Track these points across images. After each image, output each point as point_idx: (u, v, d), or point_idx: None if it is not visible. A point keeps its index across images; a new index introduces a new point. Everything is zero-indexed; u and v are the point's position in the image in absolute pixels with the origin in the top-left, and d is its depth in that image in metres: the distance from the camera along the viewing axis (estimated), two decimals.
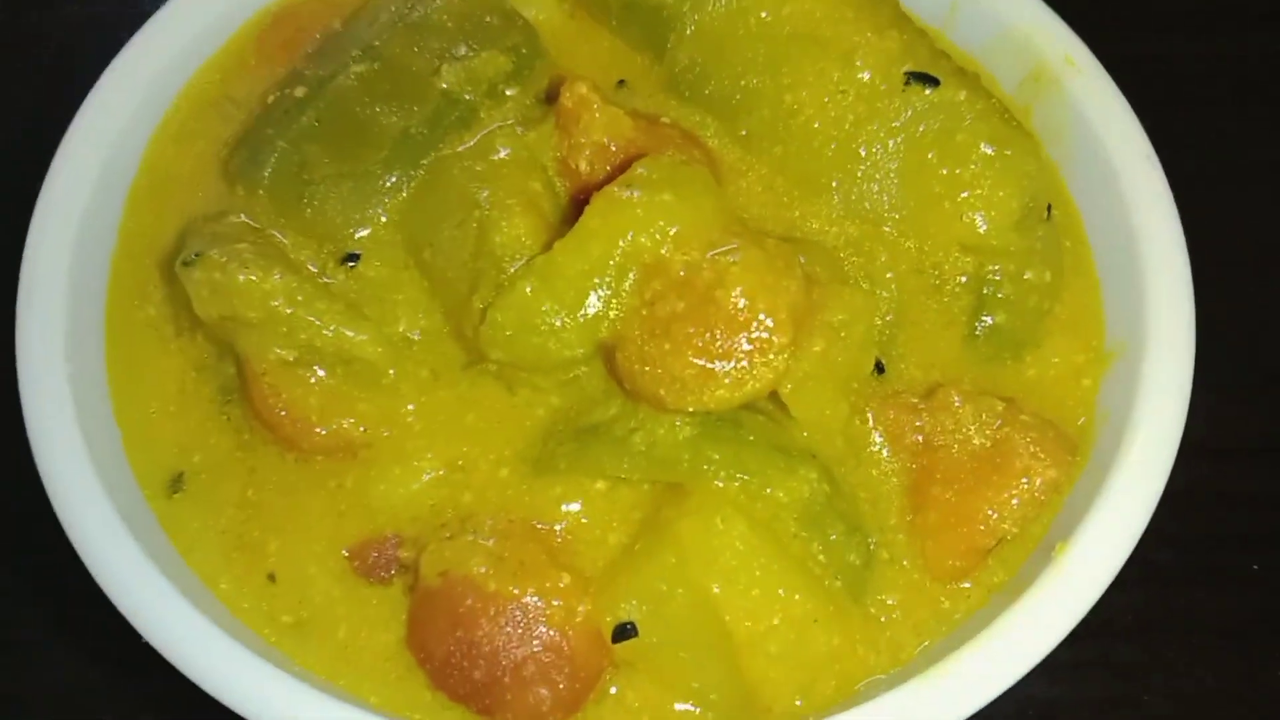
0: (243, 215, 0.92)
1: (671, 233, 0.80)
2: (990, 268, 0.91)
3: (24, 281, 0.88)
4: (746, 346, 0.78)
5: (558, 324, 0.81)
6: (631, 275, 0.81)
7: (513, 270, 0.83)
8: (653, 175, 0.82)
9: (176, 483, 0.88)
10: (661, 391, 0.80)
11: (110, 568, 0.80)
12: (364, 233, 0.91)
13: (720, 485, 0.80)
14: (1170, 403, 0.83)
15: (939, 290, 0.92)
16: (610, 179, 0.87)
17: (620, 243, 0.80)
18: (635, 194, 0.81)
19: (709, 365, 0.78)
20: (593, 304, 0.81)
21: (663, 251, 0.80)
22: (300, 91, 0.94)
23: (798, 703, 0.80)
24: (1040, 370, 0.92)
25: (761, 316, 0.78)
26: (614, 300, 0.81)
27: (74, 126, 0.95)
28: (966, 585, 0.84)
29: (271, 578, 0.84)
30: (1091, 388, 0.91)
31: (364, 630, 0.83)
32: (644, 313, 0.80)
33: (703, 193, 0.82)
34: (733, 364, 0.78)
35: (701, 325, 0.78)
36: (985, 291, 0.91)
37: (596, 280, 0.81)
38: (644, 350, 0.80)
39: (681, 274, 0.79)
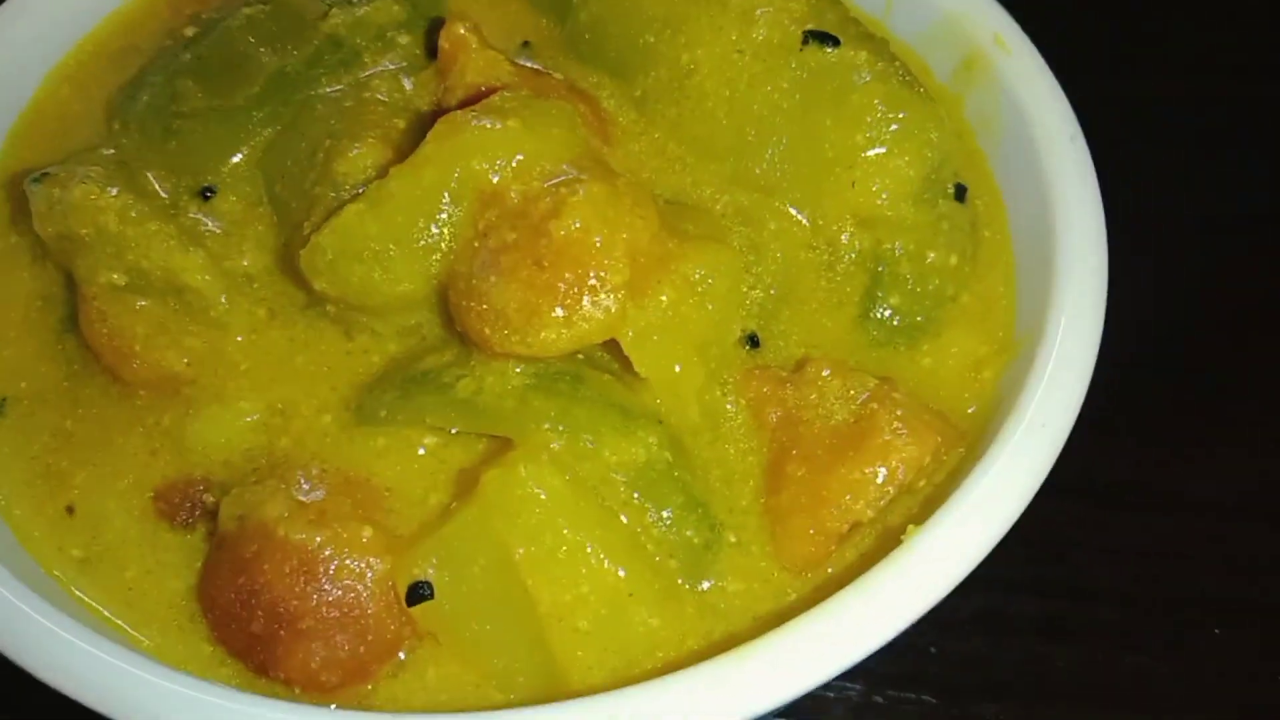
0: (113, 150, 0.89)
1: (513, 162, 0.74)
2: (887, 245, 0.83)
3: None
4: (577, 282, 0.71)
5: (383, 251, 0.75)
6: (466, 205, 0.75)
7: (348, 197, 0.78)
8: (504, 104, 0.77)
9: None
10: (487, 330, 0.73)
11: None
12: (225, 168, 0.87)
13: (545, 440, 0.72)
14: (1061, 394, 0.74)
15: (830, 267, 0.84)
16: None
17: (456, 169, 0.74)
18: (480, 119, 0.75)
19: (535, 300, 0.71)
20: (423, 232, 0.75)
21: (501, 180, 0.74)
22: (190, 31, 0.92)
23: (605, 684, 0.70)
24: (937, 360, 0.83)
25: (595, 251, 0.71)
26: (447, 230, 0.75)
27: None
28: (813, 575, 0.74)
29: (70, 510, 0.79)
30: (991, 380, 0.81)
31: (154, 574, 0.77)
32: (476, 245, 0.74)
33: (555, 124, 0.76)
34: (561, 300, 0.71)
35: (530, 256, 0.72)
36: (880, 270, 0.83)
37: (429, 207, 0.75)
38: (471, 285, 0.73)
39: (517, 203, 0.73)
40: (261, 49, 0.89)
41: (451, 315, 0.76)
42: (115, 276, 0.81)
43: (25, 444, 0.81)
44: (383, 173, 0.78)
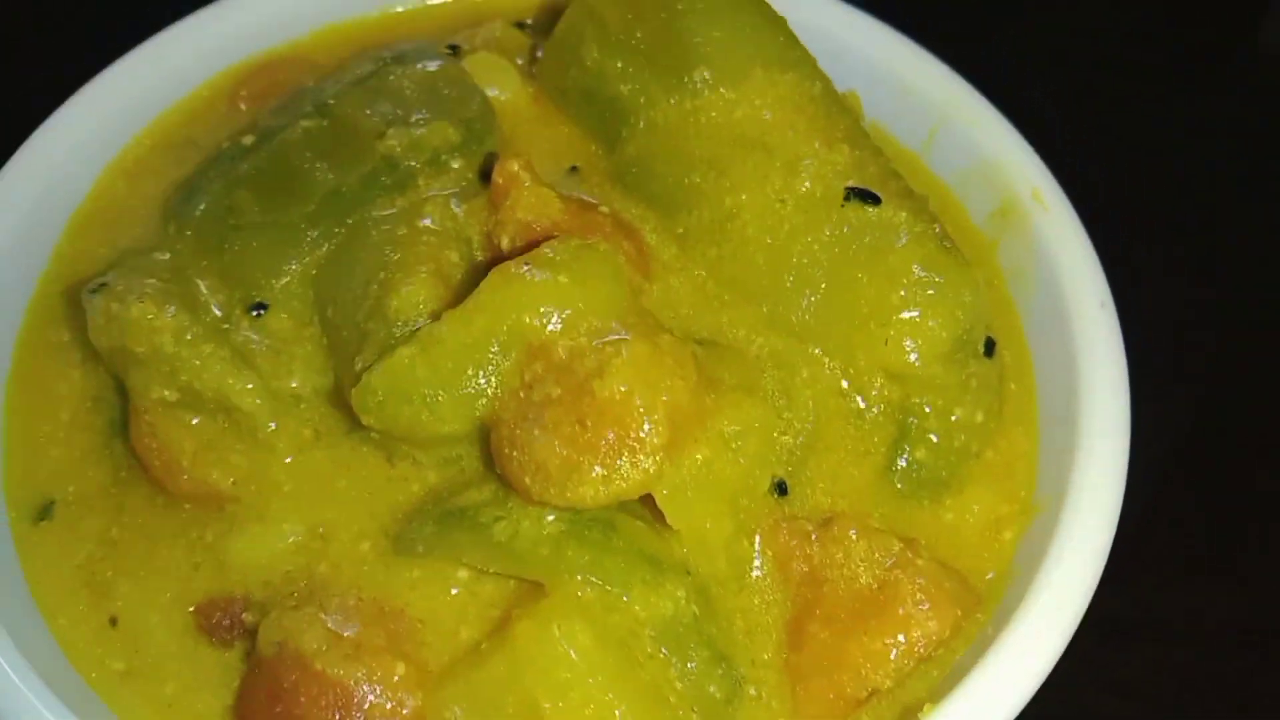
0: (168, 253, 0.92)
1: (561, 316, 0.77)
2: (916, 400, 0.86)
3: None
4: (617, 443, 0.73)
5: (432, 395, 0.78)
6: (514, 355, 0.77)
7: (399, 335, 0.80)
8: (555, 256, 0.79)
9: (46, 510, 0.86)
10: (527, 480, 0.75)
11: None
12: (278, 284, 0.89)
13: (577, 589, 0.75)
14: (1080, 572, 0.76)
15: (859, 416, 0.86)
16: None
17: (507, 320, 0.77)
18: (531, 272, 0.78)
19: (575, 457, 0.74)
20: (471, 380, 0.77)
21: (548, 333, 0.77)
22: (248, 140, 0.94)
23: None
24: (958, 516, 0.85)
25: (637, 413, 0.74)
26: (494, 379, 0.77)
27: (26, 146, 0.96)
28: None
29: (113, 621, 0.81)
30: (1011, 541, 0.84)
31: (193, 690, 0.79)
32: (521, 395, 0.77)
33: (602, 278, 0.79)
34: (600, 459, 0.74)
35: (573, 414, 0.74)
36: (909, 424, 0.85)
37: (478, 356, 0.77)
38: (514, 434, 0.76)
39: (564, 358, 0.76)
40: (318, 165, 0.92)
41: (492, 457, 0.78)
42: (167, 393, 0.83)
43: (71, 550, 0.84)
44: (435, 315, 0.80)
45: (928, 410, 0.85)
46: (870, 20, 1.04)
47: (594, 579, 0.75)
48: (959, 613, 0.76)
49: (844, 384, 0.86)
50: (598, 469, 0.74)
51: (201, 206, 0.91)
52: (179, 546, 0.83)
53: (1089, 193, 0.96)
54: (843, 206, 0.86)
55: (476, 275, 0.86)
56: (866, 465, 0.86)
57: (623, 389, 0.74)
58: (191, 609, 0.81)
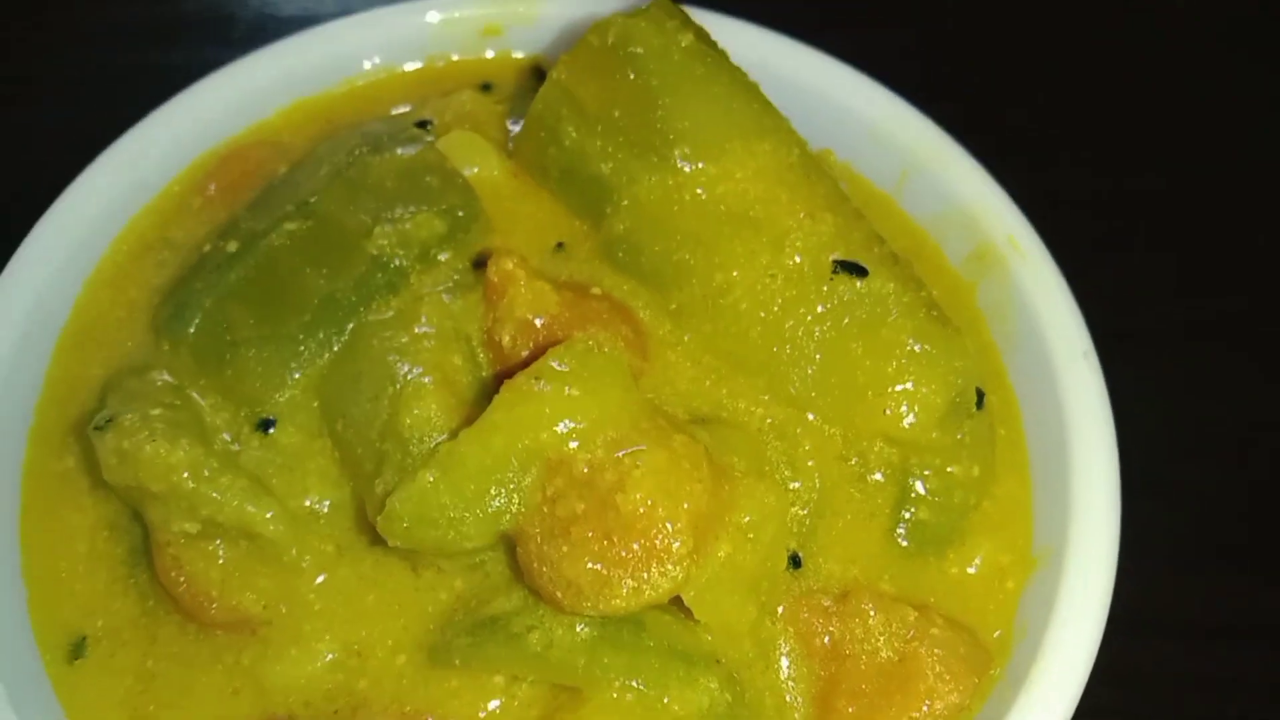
0: (165, 372, 0.91)
1: (576, 428, 0.79)
2: (915, 461, 0.89)
3: None
4: (645, 555, 0.76)
5: (457, 517, 0.79)
6: (534, 471, 0.79)
7: (416, 455, 0.82)
8: (563, 367, 0.81)
9: (78, 648, 0.87)
10: (559, 594, 0.78)
11: None
12: (282, 397, 0.90)
13: (614, 693, 0.78)
14: (1084, 628, 0.81)
15: (862, 479, 0.90)
16: (532, 357, 0.86)
17: (524, 438, 0.79)
18: (543, 386, 0.80)
19: (605, 572, 0.76)
20: (494, 498, 0.79)
21: (567, 448, 0.79)
22: (232, 246, 0.93)
23: None
24: (962, 569, 0.89)
25: (662, 524, 0.76)
26: (516, 495, 0.79)
27: (7, 273, 0.95)
28: None
29: None
30: (1015, 591, 0.88)
31: None
32: (545, 510, 0.79)
33: (611, 385, 0.81)
34: (630, 572, 0.76)
35: (600, 530, 0.77)
36: (909, 485, 0.89)
37: (498, 475, 0.79)
38: (542, 550, 0.78)
39: (584, 472, 0.78)
40: (308, 271, 0.92)
41: (520, 567, 0.81)
42: (188, 526, 0.84)
43: (111, 688, 0.85)
44: (449, 429, 0.82)
45: (927, 472, 0.89)
46: (839, 65, 1.05)
47: (631, 681, 0.78)
48: (975, 680, 0.80)
49: (845, 450, 0.90)
50: (628, 581, 0.77)
51: (195, 323, 0.91)
52: (216, 673, 0.85)
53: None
54: (831, 279, 0.88)
55: (483, 382, 0.88)
56: (873, 527, 0.89)
57: (646, 501, 0.76)
58: None
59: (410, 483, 0.80)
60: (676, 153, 0.92)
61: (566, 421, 0.79)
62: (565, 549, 0.77)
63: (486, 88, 1.10)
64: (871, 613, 0.83)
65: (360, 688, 0.83)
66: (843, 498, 0.90)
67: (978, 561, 0.89)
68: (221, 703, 0.84)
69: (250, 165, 1.04)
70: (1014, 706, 0.79)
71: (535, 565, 0.79)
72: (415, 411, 0.83)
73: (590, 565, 0.77)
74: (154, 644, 0.86)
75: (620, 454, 0.78)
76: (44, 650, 0.86)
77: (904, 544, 0.89)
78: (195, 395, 0.90)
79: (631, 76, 0.94)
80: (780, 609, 0.84)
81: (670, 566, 0.76)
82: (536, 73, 1.13)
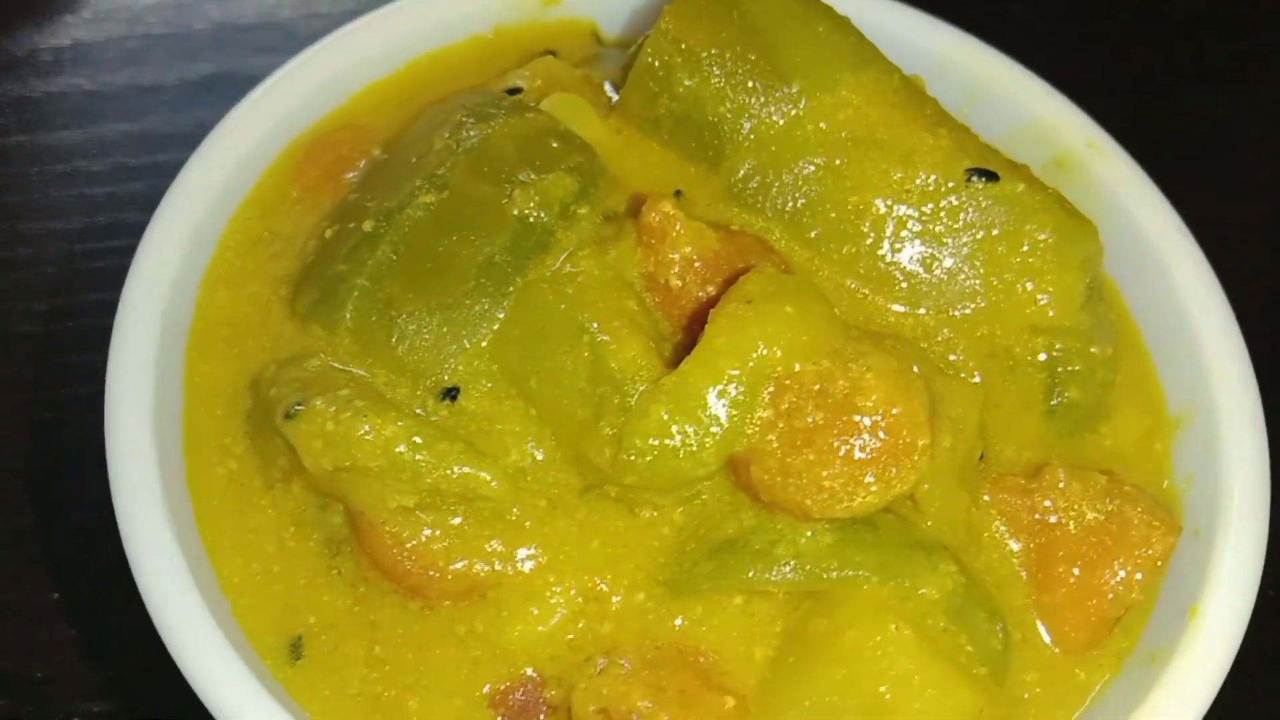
0: (324, 358, 0.89)
1: (798, 344, 0.82)
2: (1058, 346, 0.96)
3: (113, 448, 0.83)
4: (891, 451, 0.80)
5: (695, 445, 0.81)
6: (763, 389, 0.81)
7: (637, 394, 0.83)
8: (768, 288, 0.83)
9: (296, 648, 0.83)
10: (808, 502, 0.81)
11: None
12: (458, 366, 0.88)
13: (871, 589, 0.81)
14: (1255, 459, 0.90)
15: (1013, 372, 0.96)
16: (706, 292, 0.89)
17: (750, 358, 0.81)
18: (757, 309, 0.82)
19: (856, 472, 0.80)
20: (727, 422, 0.81)
21: (792, 363, 0.81)
22: (369, 225, 0.91)
23: None
24: (1115, 440, 0.97)
25: (902, 420, 0.80)
26: (747, 415, 0.81)
27: (131, 283, 0.90)
28: (1095, 654, 0.87)
29: None
30: (1164, 452, 0.97)
31: None
32: (780, 425, 0.81)
33: (817, 301, 0.84)
34: (879, 470, 0.80)
35: (844, 434, 0.80)
36: (1056, 370, 0.96)
37: (729, 399, 0.81)
38: (786, 463, 0.81)
39: (815, 385, 0.81)
40: (454, 239, 0.91)
41: (756, 488, 0.83)
42: (406, 499, 0.82)
43: (344, 681, 0.82)
44: (664, 365, 0.83)
45: (1071, 353, 0.96)
46: (894, 4, 1.11)
47: (887, 577, 0.81)
48: (1180, 525, 0.88)
49: (994, 347, 0.96)
50: (875, 478, 0.80)
51: (351, 305, 0.89)
52: (451, 646, 0.83)
53: None
54: (967, 186, 0.94)
55: (659, 325, 0.89)
56: (1031, 414, 0.95)
57: (885, 400, 0.80)
58: (487, 703, 0.82)
59: (644, 419, 0.81)
60: (794, 87, 0.96)
61: (787, 338, 0.82)
62: (812, 457, 0.80)
63: (551, 54, 1.11)
64: (1064, 482, 0.89)
65: (605, 632, 0.83)
66: (999, 391, 0.95)
67: (1126, 430, 0.97)
68: (462, 673, 0.83)
69: (342, 150, 1.02)
70: (1216, 544, 0.86)
71: (779, 479, 0.81)
72: (618, 353, 0.84)
73: (840, 468, 0.80)
74: (376, 630, 0.84)
75: (845, 361, 0.81)
76: (265, 657, 0.82)
77: (1061, 425, 0.96)
78: (364, 375, 0.88)
79: (737, 19, 0.97)
80: (985, 497, 0.89)
81: (916, 458, 0.80)
82: (594, 36, 1.15)
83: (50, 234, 1.33)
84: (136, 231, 1.28)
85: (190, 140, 1.37)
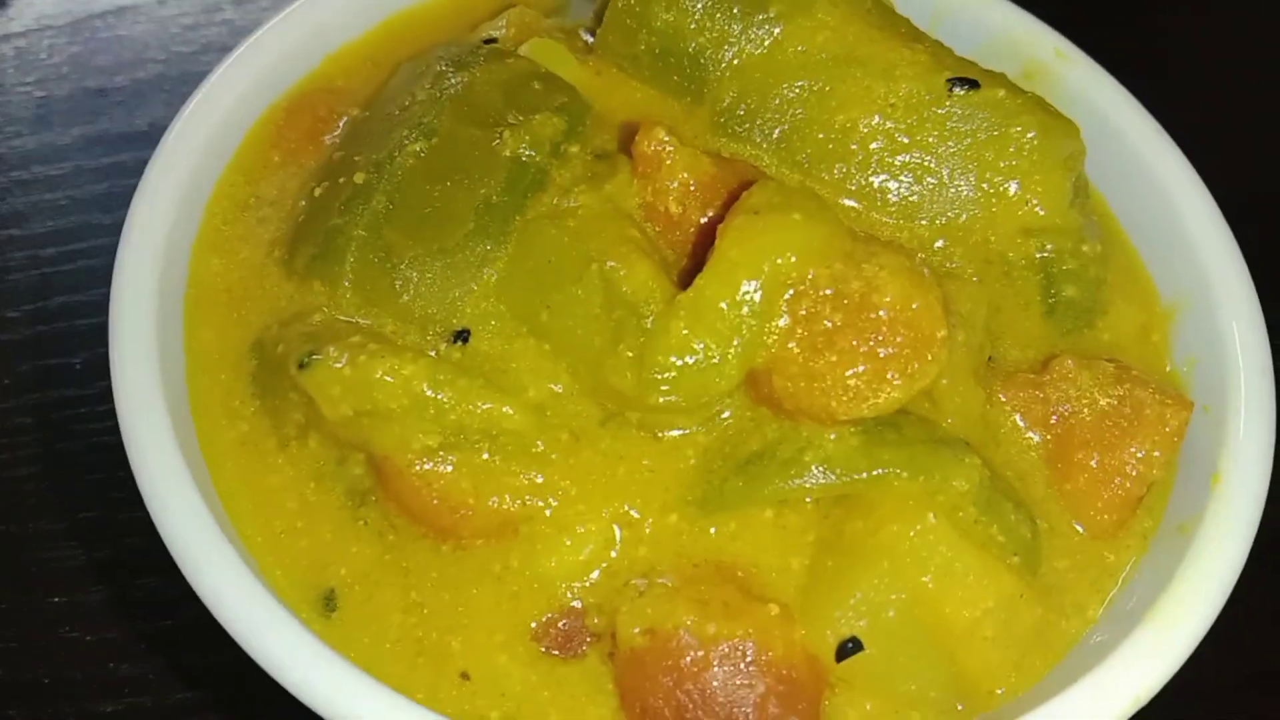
0: (327, 310, 0.88)
1: (810, 250, 0.82)
2: (1049, 246, 0.97)
3: (127, 417, 0.81)
4: (912, 344, 0.80)
5: (717, 358, 0.81)
6: (779, 296, 0.82)
7: (653, 315, 0.82)
8: (773, 199, 0.84)
9: (330, 601, 0.82)
10: (833, 404, 0.81)
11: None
12: (466, 309, 0.88)
13: (902, 486, 0.82)
14: (1255, 331, 0.92)
15: (1009, 276, 0.97)
16: (706, 216, 0.89)
17: (763, 267, 0.81)
18: (766, 219, 0.82)
19: (879, 368, 0.80)
20: (747, 332, 0.81)
21: (806, 269, 0.82)
22: (359, 177, 0.90)
23: (1011, 679, 0.82)
24: (1114, 334, 0.98)
25: (920, 313, 0.81)
26: (766, 324, 0.82)
27: (125, 250, 0.88)
28: (1122, 536, 0.89)
29: (465, 676, 0.80)
30: (1161, 341, 0.98)
31: (575, 711, 0.80)
32: (800, 331, 0.81)
33: (822, 207, 0.85)
34: (901, 365, 0.80)
35: (864, 333, 0.80)
36: (1052, 270, 0.97)
37: (746, 307, 0.81)
38: (809, 367, 0.81)
39: (830, 289, 0.81)
40: (448, 184, 0.90)
41: (779, 397, 0.83)
42: (429, 440, 0.81)
43: (381, 630, 0.81)
44: (675, 286, 0.83)
45: (1063, 252, 0.97)
46: None
47: (918, 473, 0.82)
48: (1191, 401, 0.89)
49: (989, 252, 0.97)
50: (898, 373, 0.80)
51: (351, 257, 0.88)
52: (487, 584, 0.82)
53: None
54: (950, 95, 0.96)
55: (661, 251, 0.89)
56: (1031, 313, 0.97)
57: (902, 296, 0.80)
58: (531, 637, 0.81)
59: (665, 336, 0.81)
60: (771, 11, 0.97)
61: (798, 243, 0.82)
62: (834, 358, 0.80)
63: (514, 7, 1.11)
64: (1076, 372, 0.90)
65: (641, 555, 0.83)
66: (999, 294, 0.96)
67: (1124, 323, 0.99)
68: (502, 610, 0.82)
69: (320, 112, 1.01)
70: (1230, 417, 0.89)
71: (804, 384, 0.81)
72: (629, 277, 0.84)
73: (863, 366, 0.80)
74: (409, 575, 0.83)
75: (857, 263, 0.82)
76: (299, 613, 0.80)
77: (1060, 322, 0.97)
78: (370, 325, 0.87)
79: None
80: (999, 394, 0.90)
81: (937, 350, 0.81)
82: None
83: (13, 240, 1.30)
84: (103, 232, 1.28)
85: (146, 139, 1.38)
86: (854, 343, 0.80)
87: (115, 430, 1.18)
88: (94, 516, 1.14)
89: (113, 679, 1.07)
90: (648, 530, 0.84)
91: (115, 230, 1.27)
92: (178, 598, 1.05)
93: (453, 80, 0.96)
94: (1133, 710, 0.77)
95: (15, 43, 1.47)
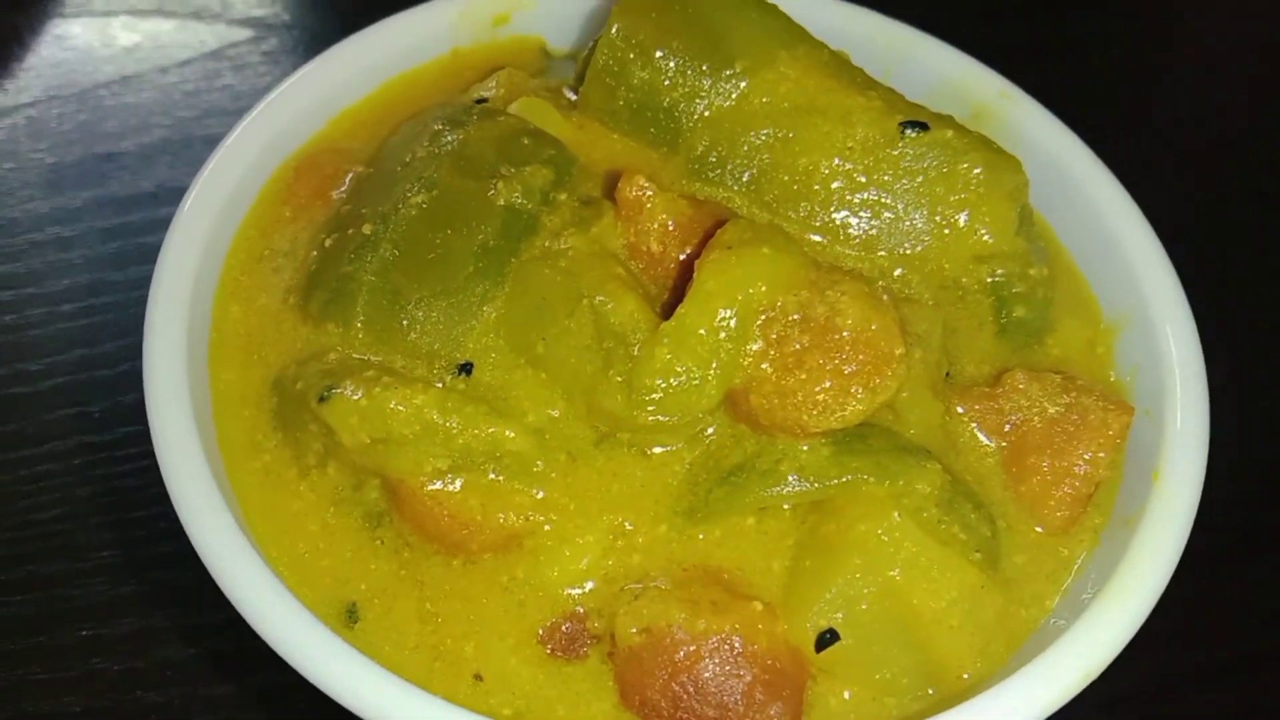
0: (341, 350, 0.96)
1: (778, 279, 0.91)
2: (999, 271, 1.06)
3: (163, 448, 0.88)
4: (873, 362, 0.89)
5: (698, 380, 0.89)
6: (752, 322, 0.90)
7: (639, 343, 0.91)
8: (744, 235, 0.93)
9: (352, 614, 0.89)
10: (804, 418, 0.89)
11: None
12: (468, 343, 0.96)
13: (870, 490, 0.90)
14: (1189, 342, 1.01)
15: (963, 299, 1.06)
16: (684, 253, 0.98)
17: (738, 296, 0.90)
18: (738, 252, 0.91)
19: (844, 385, 0.89)
20: (724, 355, 0.90)
21: (775, 297, 0.90)
22: (367, 228, 0.99)
23: (977, 665, 0.90)
24: (1062, 349, 1.07)
25: (879, 333, 0.89)
26: (741, 348, 0.90)
27: (156, 295, 0.96)
28: (1075, 531, 0.97)
29: (479, 677, 0.87)
30: (1106, 353, 1.07)
31: (580, 707, 0.87)
32: (772, 353, 0.90)
33: (789, 241, 0.94)
34: (863, 380, 0.89)
35: (830, 353, 0.89)
36: (1002, 293, 1.06)
37: (723, 334, 0.90)
38: (781, 385, 0.89)
39: (796, 315, 0.90)
40: (449, 231, 0.99)
41: (755, 414, 0.91)
42: (440, 463, 0.89)
43: (401, 638, 0.88)
44: (659, 316, 0.92)
45: (1012, 276, 1.06)
46: None
47: (884, 478, 0.90)
48: (1133, 407, 0.98)
49: (944, 279, 1.06)
50: (861, 389, 0.89)
51: (362, 299, 0.96)
52: (496, 593, 0.90)
53: None
54: (903, 138, 1.05)
55: (645, 286, 0.98)
56: (985, 333, 1.05)
57: (862, 318, 0.89)
58: (537, 640, 0.89)
59: (650, 361, 0.89)
60: (738, 67, 1.06)
61: (768, 274, 0.90)
62: (803, 376, 0.89)
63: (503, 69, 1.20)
64: (1026, 383, 0.99)
65: (635, 563, 0.91)
66: (954, 316, 1.05)
67: (1070, 339, 1.07)
68: (510, 617, 0.89)
69: (327, 170, 1.10)
70: (1167, 418, 0.97)
71: (777, 401, 0.90)
72: (617, 310, 0.93)
73: (830, 383, 0.89)
74: (424, 588, 0.90)
75: (820, 291, 0.91)
76: (326, 622, 0.87)
77: (1012, 341, 1.06)
78: (382, 361, 0.95)
79: (679, 12, 1.07)
80: (957, 406, 0.99)
81: (896, 366, 0.89)
82: (542, 51, 1.24)
83: (31, 298, 1.38)
84: (116, 288, 1.36)
85: (154, 199, 1.47)
86: (821, 361, 0.89)
87: (133, 474, 1.26)
88: (116, 555, 1.21)
89: (139, 706, 1.13)
90: (641, 539, 0.91)
91: (127, 286, 1.37)
92: (198, 628, 1.13)
93: (449, 137, 1.05)
94: (1084, 684, 0.85)
95: (26, 112, 1.55)
